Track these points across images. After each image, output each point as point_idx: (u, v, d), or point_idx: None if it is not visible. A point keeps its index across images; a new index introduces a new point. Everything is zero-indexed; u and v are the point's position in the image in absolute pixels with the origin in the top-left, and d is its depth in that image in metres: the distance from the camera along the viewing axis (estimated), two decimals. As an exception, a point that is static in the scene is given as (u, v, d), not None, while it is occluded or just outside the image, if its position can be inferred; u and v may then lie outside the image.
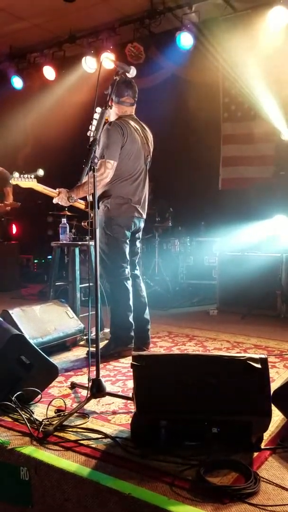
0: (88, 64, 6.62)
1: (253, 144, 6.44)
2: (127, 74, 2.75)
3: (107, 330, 3.91)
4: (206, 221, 6.49)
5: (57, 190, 3.36)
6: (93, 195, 2.52)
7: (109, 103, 2.74)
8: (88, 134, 2.88)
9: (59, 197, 3.32)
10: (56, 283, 4.46)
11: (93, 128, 2.64)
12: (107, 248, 3.39)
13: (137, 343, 3.50)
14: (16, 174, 3.25)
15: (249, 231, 5.30)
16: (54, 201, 3.36)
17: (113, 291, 3.44)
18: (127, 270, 3.48)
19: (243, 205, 6.02)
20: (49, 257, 7.21)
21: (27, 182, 3.30)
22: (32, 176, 3.31)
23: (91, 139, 2.50)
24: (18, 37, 6.99)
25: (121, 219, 3.38)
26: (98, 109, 2.72)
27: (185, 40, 5.92)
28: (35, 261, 8.07)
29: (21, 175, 3.27)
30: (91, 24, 6.48)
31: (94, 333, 2.87)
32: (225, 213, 6.07)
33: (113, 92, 2.79)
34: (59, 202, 3.35)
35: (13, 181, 3.26)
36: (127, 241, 3.47)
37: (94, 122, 2.68)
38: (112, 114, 3.41)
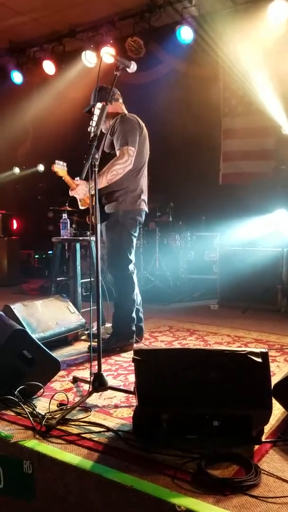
0: (88, 58, 6.60)
1: (253, 139, 6.42)
2: (127, 69, 2.74)
3: (108, 325, 3.92)
4: (206, 216, 6.50)
5: (76, 180, 3.23)
6: (94, 190, 2.52)
7: (111, 97, 2.74)
8: (88, 129, 2.87)
9: (78, 188, 3.21)
10: (57, 278, 4.47)
11: (93, 123, 2.63)
12: (120, 241, 3.34)
13: (136, 335, 3.53)
14: (60, 162, 3.21)
15: (250, 225, 5.30)
16: (71, 193, 3.26)
17: (120, 285, 3.42)
18: (133, 264, 3.49)
19: (244, 199, 6.03)
20: (50, 252, 7.24)
21: (63, 170, 3.27)
22: (65, 164, 3.29)
23: (92, 134, 2.50)
24: (18, 31, 6.97)
25: (135, 213, 3.38)
26: (99, 104, 2.72)
27: (185, 34, 5.90)
28: (36, 256, 8.09)
29: (63, 163, 3.24)
30: (90, 18, 6.46)
31: (95, 328, 2.88)
32: (225, 207, 6.06)
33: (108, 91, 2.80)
34: (76, 195, 3.26)
35: (54, 168, 3.20)
36: (136, 235, 3.48)
37: (95, 118, 2.67)
38: (105, 113, 3.39)
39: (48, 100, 7.31)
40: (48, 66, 7.10)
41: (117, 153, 3.21)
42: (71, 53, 6.99)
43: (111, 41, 6.40)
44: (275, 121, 5.93)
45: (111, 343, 3.41)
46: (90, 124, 2.56)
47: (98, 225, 2.58)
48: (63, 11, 6.28)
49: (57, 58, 7.12)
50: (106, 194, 3.34)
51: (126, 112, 3.49)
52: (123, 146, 3.18)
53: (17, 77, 7.53)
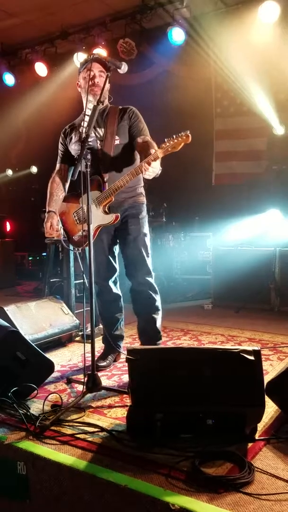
0: (80, 60, 6.60)
1: (245, 139, 6.46)
2: (118, 70, 2.74)
3: (102, 325, 3.92)
4: (200, 216, 6.51)
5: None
6: (86, 191, 2.52)
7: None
8: (79, 130, 2.87)
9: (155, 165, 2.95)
10: (51, 280, 4.47)
11: (85, 124, 2.64)
12: (148, 238, 3.10)
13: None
14: None
15: (243, 225, 5.32)
16: (154, 172, 2.98)
17: (155, 284, 3.15)
18: None
19: (237, 200, 6.05)
20: (44, 254, 7.22)
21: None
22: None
23: (84, 135, 2.50)
24: (10, 33, 6.95)
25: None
26: (90, 105, 2.72)
27: (177, 35, 5.91)
28: (30, 258, 8.07)
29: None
30: (82, 20, 6.45)
31: (89, 329, 2.88)
32: (218, 208, 6.08)
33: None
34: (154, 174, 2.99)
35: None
36: None
37: (86, 118, 2.68)
38: (106, 92, 3.04)
39: (40, 102, 7.30)
40: (40, 68, 7.08)
41: (148, 138, 3.02)
42: (63, 55, 6.98)
43: (103, 43, 6.39)
44: (267, 121, 5.97)
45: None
46: (82, 125, 2.56)
47: (91, 226, 2.57)
48: (55, 13, 6.28)
49: (49, 60, 7.10)
50: (134, 187, 3.11)
51: None
52: (149, 137, 3.01)
53: (9, 79, 7.50)
